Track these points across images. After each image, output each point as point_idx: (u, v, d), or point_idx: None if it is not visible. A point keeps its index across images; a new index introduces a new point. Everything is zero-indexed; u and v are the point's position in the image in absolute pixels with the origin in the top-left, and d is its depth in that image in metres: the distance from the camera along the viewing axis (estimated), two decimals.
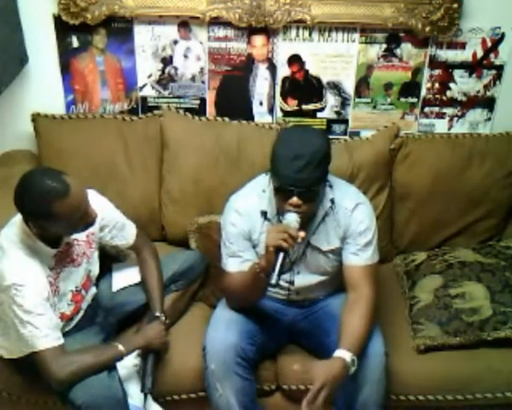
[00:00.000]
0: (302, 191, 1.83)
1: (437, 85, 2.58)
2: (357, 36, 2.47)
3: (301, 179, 1.81)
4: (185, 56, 2.52)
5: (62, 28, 2.41)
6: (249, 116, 2.60)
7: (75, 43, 2.46)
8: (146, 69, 2.54)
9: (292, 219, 1.84)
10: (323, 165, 1.87)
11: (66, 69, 2.51)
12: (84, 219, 1.84)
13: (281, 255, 1.79)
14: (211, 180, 2.44)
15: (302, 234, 1.84)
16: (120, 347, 1.93)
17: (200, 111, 2.59)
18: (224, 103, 2.60)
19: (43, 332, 1.80)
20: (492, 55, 2.51)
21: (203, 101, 2.59)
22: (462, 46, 2.50)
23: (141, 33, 2.46)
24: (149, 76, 2.55)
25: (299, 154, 1.82)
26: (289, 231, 1.79)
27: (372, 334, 1.96)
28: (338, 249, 2.04)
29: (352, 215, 2.00)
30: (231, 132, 2.48)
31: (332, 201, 2.00)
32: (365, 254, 2.00)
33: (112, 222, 2.10)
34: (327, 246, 2.03)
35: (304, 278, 2.09)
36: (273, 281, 1.78)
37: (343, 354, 1.82)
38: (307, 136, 1.90)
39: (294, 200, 1.84)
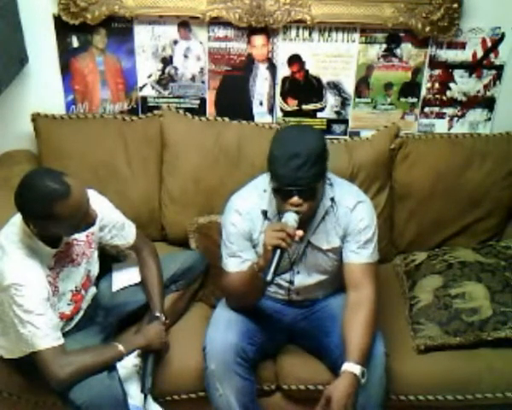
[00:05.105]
0: (302, 190, 1.83)
1: (437, 85, 2.58)
2: (357, 36, 2.47)
3: (300, 178, 1.81)
4: (185, 56, 2.52)
5: (62, 28, 2.42)
6: (249, 116, 2.60)
7: (75, 43, 2.46)
8: (146, 69, 2.54)
9: (290, 218, 1.83)
10: (321, 161, 1.86)
11: (66, 69, 2.51)
12: (85, 219, 1.84)
13: (277, 253, 1.79)
14: (211, 180, 2.45)
15: (300, 233, 1.83)
16: (120, 347, 1.93)
17: (200, 111, 2.59)
18: (224, 103, 2.60)
19: (44, 332, 1.80)
20: (492, 55, 2.51)
21: (203, 101, 2.59)
22: (462, 46, 2.50)
23: (141, 33, 2.46)
24: (149, 76, 2.55)
25: (295, 153, 1.81)
26: (287, 230, 1.79)
27: None
28: (338, 248, 2.03)
29: (352, 213, 2.00)
30: (231, 132, 2.48)
31: (332, 199, 2.00)
32: (365, 252, 1.99)
33: (111, 222, 2.10)
34: (327, 245, 2.03)
35: (304, 278, 2.08)
36: (268, 278, 1.77)
37: (352, 367, 1.82)
38: (302, 134, 1.90)
39: (295, 199, 1.84)
